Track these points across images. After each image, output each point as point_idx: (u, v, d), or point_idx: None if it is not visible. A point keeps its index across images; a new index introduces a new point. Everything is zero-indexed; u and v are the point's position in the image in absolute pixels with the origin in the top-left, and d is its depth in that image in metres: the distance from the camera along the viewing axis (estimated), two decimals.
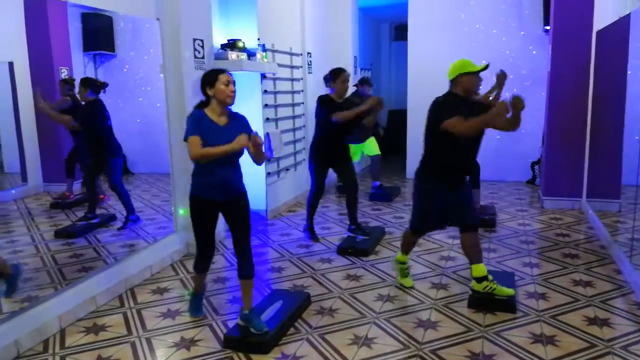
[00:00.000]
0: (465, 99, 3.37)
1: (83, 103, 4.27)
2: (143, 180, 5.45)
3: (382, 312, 3.39)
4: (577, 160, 5.87)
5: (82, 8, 4.22)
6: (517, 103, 3.18)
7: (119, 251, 4.25)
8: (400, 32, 11.06)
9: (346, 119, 4.43)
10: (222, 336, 3.06)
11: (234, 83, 3.02)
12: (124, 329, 3.24)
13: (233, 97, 3.00)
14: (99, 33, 4.55)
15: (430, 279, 3.94)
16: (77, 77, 4.27)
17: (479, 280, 3.45)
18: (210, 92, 2.98)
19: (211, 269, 4.16)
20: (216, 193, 3.01)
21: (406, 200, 6.57)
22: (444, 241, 4.83)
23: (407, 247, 3.79)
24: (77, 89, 4.24)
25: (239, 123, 3.08)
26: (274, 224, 5.55)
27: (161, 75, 4.38)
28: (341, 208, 6.12)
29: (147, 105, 5.09)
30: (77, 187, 4.56)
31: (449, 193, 3.44)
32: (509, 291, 3.46)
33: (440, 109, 3.32)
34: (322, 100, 4.58)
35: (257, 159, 3.08)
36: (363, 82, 6.41)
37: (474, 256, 3.47)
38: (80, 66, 4.42)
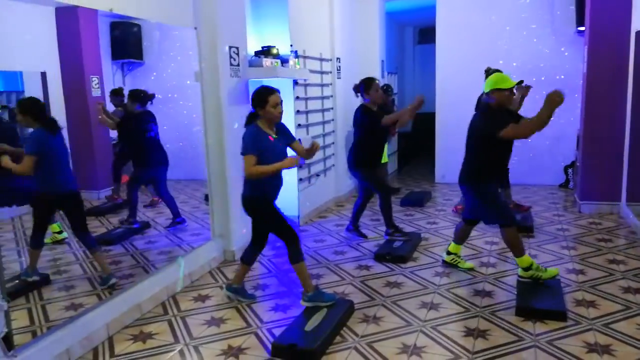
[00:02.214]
0: (504, 110, 3.70)
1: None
2: (171, 187, 5.47)
3: (428, 320, 3.33)
4: (616, 164, 5.73)
5: (112, 17, 4.27)
6: (556, 96, 3.47)
7: (156, 258, 4.27)
8: (424, 35, 11.00)
9: (392, 122, 4.67)
10: (269, 344, 3.04)
11: (281, 103, 3.30)
12: (170, 336, 3.24)
13: (281, 117, 3.32)
14: (127, 41, 4.61)
15: (472, 286, 3.87)
16: (107, 86, 4.34)
17: (526, 269, 3.76)
18: (260, 112, 3.27)
19: (250, 276, 4.19)
20: (275, 196, 3.42)
21: (438, 205, 6.49)
22: (482, 247, 4.75)
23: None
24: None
25: (283, 134, 3.41)
26: (307, 230, 5.52)
27: (196, 82, 4.39)
28: (372, 213, 6.06)
29: (174, 112, 5.13)
30: (108, 193, 4.60)
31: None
32: (553, 271, 3.79)
33: (489, 121, 3.62)
34: (366, 109, 4.74)
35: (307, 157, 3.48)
36: (384, 90, 6.40)
37: (517, 249, 3.76)
38: (109, 75, 4.47)
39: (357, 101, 5.00)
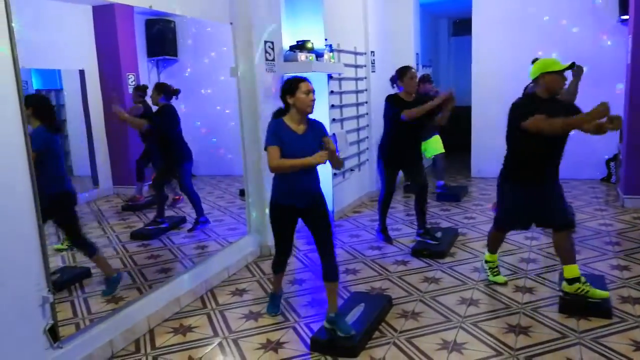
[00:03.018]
0: (548, 99, 3.26)
1: (156, 108, 4.40)
2: (206, 182, 5.57)
3: (468, 316, 3.29)
4: None
5: (147, 14, 4.33)
6: (617, 122, 2.97)
7: (192, 252, 4.34)
8: (459, 27, 10.80)
9: (417, 116, 4.28)
10: (307, 339, 3.06)
11: (313, 92, 3.04)
12: (209, 329, 3.29)
13: (313, 106, 3.02)
14: (162, 39, 4.65)
15: (513, 282, 3.80)
16: (142, 83, 4.40)
17: (571, 281, 3.32)
18: (290, 101, 3.00)
19: (287, 270, 4.21)
20: (296, 199, 3.07)
21: (474, 200, 6.39)
22: (522, 242, 4.65)
23: (493, 246, 3.78)
24: (149, 96, 4.38)
25: (317, 131, 3.09)
26: (342, 225, 5.53)
27: (232, 77, 4.41)
28: (409, 209, 6.02)
29: (207, 108, 5.18)
30: (146, 189, 4.70)
31: (534, 191, 3.35)
32: (604, 294, 3.31)
33: (517, 111, 3.27)
34: (392, 99, 4.47)
35: (334, 165, 3.11)
36: (424, 79, 6.20)
37: (567, 257, 3.35)
38: (145, 72, 4.54)
39: (394, 89, 4.84)
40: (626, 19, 6.04)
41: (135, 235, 4.33)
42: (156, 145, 4.58)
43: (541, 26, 7.13)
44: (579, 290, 3.30)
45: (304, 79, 3.04)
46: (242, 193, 4.74)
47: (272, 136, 2.97)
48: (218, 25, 4.31)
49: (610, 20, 6.78)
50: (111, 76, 4.15)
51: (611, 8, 6.72)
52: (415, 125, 4.44)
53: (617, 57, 6.53)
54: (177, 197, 4.99)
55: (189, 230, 4.69)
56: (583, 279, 3.33)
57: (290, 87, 3.00)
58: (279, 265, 3.40)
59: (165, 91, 4.39)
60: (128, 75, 4.26)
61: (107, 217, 4.35)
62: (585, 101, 7.65)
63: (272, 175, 3.17)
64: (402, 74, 4.48)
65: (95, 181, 4.29)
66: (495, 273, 3.80)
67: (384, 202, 4.75)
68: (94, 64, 4.02)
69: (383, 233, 4.85)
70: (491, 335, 3.04)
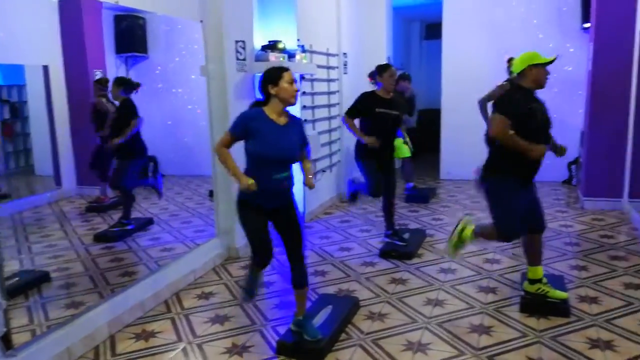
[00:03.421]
0: (534, 92, 3.27)
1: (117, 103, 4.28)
2: (175, 182, 5.50)
3: (433, 316, 3.37)
4: (619, 161, 5.74)
5: (116, 10, 4.26)
6: (562, 152, 3.47)
7: (159, 255, 4.26)
8: (431, 30, 10.97)
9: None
10: (274, 342, 3.07)
11: (296, 82, 2.88)
12: (173, 334, 3.25)
13: (296, 97, 2.84)
14: (131, 35, 4.57)
15: (477, 282, 3.90)
16: (111, 80, 4.30)
17: (533, 282, 3.43)
18: (272, 91, 2.79)
19: None
20: (264, 200, 2.86)
21: (443, 202, 6.51)
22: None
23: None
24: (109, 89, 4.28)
25: (298, 127, 2.95)
26: (312, 227, 5.56)
27: (202, 76, 4.39)
28: (378, 210, 6.08)
29: (178, 107, 5.12)
30: (110, 190, 4.60)
31: (529, 188, 3.35)
32: (562, 294, 3.42)
33: (502, 99, 3.25)
34: (366, 97, 4.49)
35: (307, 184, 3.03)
36: (403, 77, 6.45)
37: (536, 258, 3.44)
38: (113, 68, 4.46)
39: (372, 86, 4.83)
40: (588, 27, 6.25)
41: (99, 238, 4.23)
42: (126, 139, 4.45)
43: (509, 32, 7.31)
44: (540, 290, 3.41)
45: (287, 68, 2.85)
46: (211, 194, 4.71)
47: (238, 125, 2.80)
48: (189, 22, 4.28)
49: (574, 28, 7.00)
50: (77, 72, 4.04)
51: (575, 16, 6.94)
52: (387, 120, 4.47)
53: (580, 64, 6.75)
54: (103, 197, 4.58)
55: (111, 227, 4.36)
56: (544, 279, 3.44)
57: (273, 76, 2.80)
58: (254, 271, 3.14)
59: (124, 84, 4.25)
60: (95, 71, 4.17)
61: (69, 218, 4.25)
62: (548, 106, 7.86)
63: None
64: (382, 70, 4.49)
65: (57, 181, 4.19)
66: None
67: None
68: (59, 60, 3.92)
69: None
70: (455, 336, 3.11)
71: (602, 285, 3.76)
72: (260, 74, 2.92)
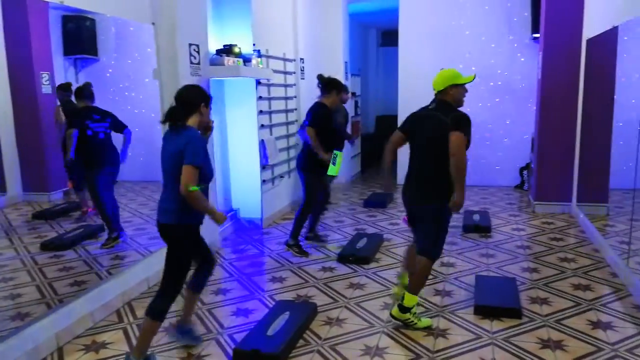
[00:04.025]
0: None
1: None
2: (129, 188, 5.34)
3: (390, 321, 3.37)
4: (567, 166, 5.98)
5: (64, 10, 4.12)
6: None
7: (110, 263, 4.13)
8: (387, 38, 11.14)
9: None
10: (230, 351, 3.01)
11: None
12: (125, 345, 3.15)
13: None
14: (80, 36, 4.43)
15: (433, 286, 3.95)
16: (59, 83, 4.15)
17: (405, 310, 3.21)
18: (202, 111, 2.76)
19: (210, 280, 4.10)
20: (201, 216, 2.82)
21: (400, 207, 6.59)
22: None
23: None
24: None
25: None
26: (270, 233, 5.50)
27: (155, 79, 4.29)
28: (336, 215, 6.11)
29: (130, 111, 4.98)
30: (59, 196, 4.43)
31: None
32: (427, 322, 3.28)
33: (462, 118, 3.12)
34: (323, 109, 4.62)
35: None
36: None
37: (420, 286, 3.28)
38: (61, 71, 4.30)
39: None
40: (538, 37, 6.49)
41: (46, 246, 4.05)
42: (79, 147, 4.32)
43: (463, 40, 7.50)
44: (409, 321, 3.22)
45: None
46: None
47: (203, 155, 2.65)
48: (141, 25, 4.17)
49: (524, 38, 7.25)
50: (22, 74, 3.87)
51: (525, 26, 7.20)
52: (335, 134, 4.73)
53: (530, 73, 7.00)
54: (85, 208, 4.57)
55: (102, 247, 4.29)
56: (415, 310, 3.24)
57: (208, 97, 2.81)
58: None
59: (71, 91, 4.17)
60: (42, 74, 4.01)
61: (15, 226, 4.05)
62: (501, 114, 8.12)
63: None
64: (341, 89, 4.81)
65: (2, 187, 3.99)
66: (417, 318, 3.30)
67: (304, 216, 4.77)
68: (3, 61, 3.73)
69: (298, 245, 4.78)
70: (411, 339, 3.13)
71: (552, 287, 3.88)
72: (185, 85, 2.90)
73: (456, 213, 3.28)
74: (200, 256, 3.02)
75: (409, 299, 3.20)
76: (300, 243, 4.78)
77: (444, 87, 3.26)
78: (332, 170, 4.61)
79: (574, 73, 5.75)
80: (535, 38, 6.91)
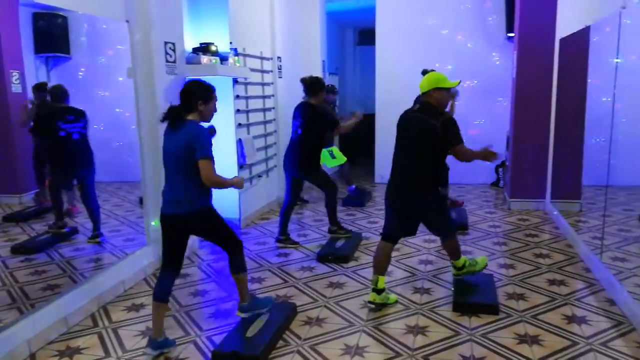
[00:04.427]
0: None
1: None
2: (102, 189, 5.23)
3: (370, 319, 3.39)
4: (542, 164, 6.08)
5: (35, 7, 4.02)
6: (492, 157, 3.53)
7: (85, 266, 4.04)
8: (364, 36, 11.15)
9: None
10: (209, 353, 2.97)
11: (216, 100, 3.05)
12: (100, 350, 3.08)
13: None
14: (52, 34, 4.33)
15: (412, 283, 3.97)
16: (29, 82, 4.04)
17: (380, 291, 3.52)
18: (201, 107, 2.89)
19: (188, 282, 4.08)
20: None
21: (378, 205, 6.61)
22: (421, 245, 4.88)
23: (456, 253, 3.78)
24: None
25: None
26: (248, 233, 5.46)
27: (129, 78, 4.21)
28: (315, 214, 6.10)
29: (105, 110, 4.90)
30: (31, 198, 4.32)
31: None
32: (395, 297, 3.66)
33: (453, 129, 3.36)
34: (318, 109, 4.71)
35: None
36: (329, 90, 6.49)
37: (384, 267, 3.59)
38: (32, 69, 4.20)
39: (299, 99, 4.90)
40: (512, 37, 6.58)
41: (17, 249, 3.94)
42: (47, 148, 4.23)
43: (440, 39, 7.56)
44: (385, 299, 3.54)
45: (214, 88, 2.99)
46: (141, 201, 4.51)
47: (211, 146, 2.86)
48: (115, 22, 4.09)
49: (499, 37, 7.35)
50: None
51: (500, 26, 7.29)
52: (321, 134, 4.78)
53: (503, 72, 7.09)
54: (70, 207, 4.62)
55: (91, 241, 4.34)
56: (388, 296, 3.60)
57: (207, 93, 2.91)
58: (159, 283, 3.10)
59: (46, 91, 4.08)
60: (12, 72, 3.90)
61: None
62: (477, 112, 8.21)
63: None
64: (323, 89, 4.82)
65: None
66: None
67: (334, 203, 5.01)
68: None
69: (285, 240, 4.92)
70: (391, 337, 3.14)
71: (528, 283, 3.94)
72: (188, 80, 2.99)
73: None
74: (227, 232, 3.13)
75: (381, 281, 3.52)
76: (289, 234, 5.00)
77: (428, 89, 3.38)
78: (337, 161, 5.64)
79: (547, 72, 5.85)
80: (509, 38, 7.00)
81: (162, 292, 3.01)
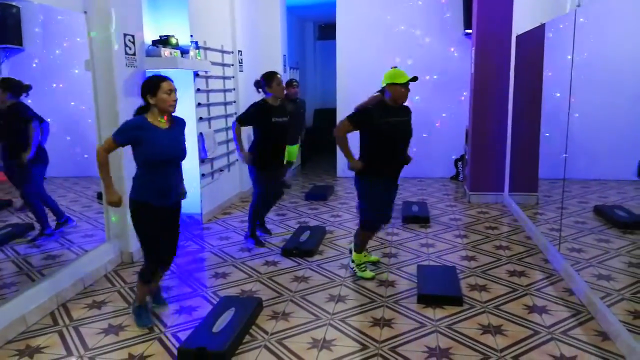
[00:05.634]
0: (393, 106, 3.68)
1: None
2: (58, 184, 5.03)
3: (336, 312, 3.38)
4: (500, 157, 6.24)
5: None
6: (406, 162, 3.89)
7: (42, 264, 3.87)
8: (324, 31, 11.15)
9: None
10: (174, 350, 2.90)
11: (175, 91, 3.05)
12: (61, 349, 2.97)
13: (174, 106, 3.04)
14: (4, 25, 4.13)
15: (377, 276, 3.99)
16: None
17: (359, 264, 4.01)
18: (151, 101, 2.98)
19: None
20: (166, 199, 3.09)
21: (340, 199, 6.63)
22: (385, 238, 4.92)
23: (363, 246, 4.08)
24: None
25: (180, 128, 3.18)
26: (211, 228, 5.36)
27: (87, 71, 4.06)
28: (278, 209, 6.04)
29: (60, 103, 4.70)
30: None
31: (384, 181, 3.83)
32: (370, 274, 3.99)
33: (359, 109, 3.74)
34: (260, 105, 4.56)
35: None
36: (289, 84, 6.57)
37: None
38: None
39: (260, 94, 4.87)
40: (470, 33, 6.72)
41: None
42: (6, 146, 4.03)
43: (398, 35, 7.64)
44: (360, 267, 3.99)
45: (166, 78, 3.03)
46: (100, 196, 4.35)
47: (123, 134, 2.97)
48: (71, 13, 3.92)
49: (457, 33, 7.49)
50: None
51: (458, 22, 7.43)
52: (284, 128, 4.66)
53: (462, 67, 7.23)
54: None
55: (55, 230, 4.18)
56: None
57: (151, 86, 2.97)
58: (152, 275, 3.24)
59: (11, 87, 3.89)
60: None
61: None
62: (436, 107, 8.33)
63: (134, 173, 3.08)
64: (269, 80, 4.56)
65: None
66: (362, 269, 3.99)
67: (258, 208, 4.75)
68: None
69: (254, 237, 4.81)
70: (358, 330, 3.15)
71: (490, 274, 4.03)
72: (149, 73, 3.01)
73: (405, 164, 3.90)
74: None
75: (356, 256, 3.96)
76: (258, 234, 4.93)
77: (383, 85, 3.66)
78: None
79: (505, 67, 6.00)
80: (467, 34, 7.14)
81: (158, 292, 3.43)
